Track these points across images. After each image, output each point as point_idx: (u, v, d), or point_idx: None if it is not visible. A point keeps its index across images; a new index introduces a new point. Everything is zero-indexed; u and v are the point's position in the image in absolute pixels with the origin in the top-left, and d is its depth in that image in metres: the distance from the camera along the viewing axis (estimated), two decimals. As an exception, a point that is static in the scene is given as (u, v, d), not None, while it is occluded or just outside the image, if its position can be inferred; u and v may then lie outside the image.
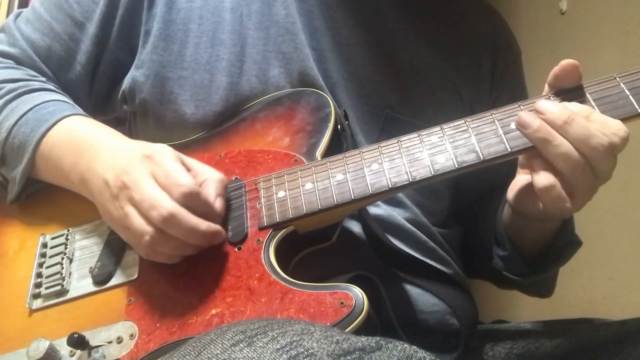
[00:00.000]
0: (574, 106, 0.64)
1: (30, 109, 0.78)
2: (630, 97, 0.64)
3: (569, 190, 0.63)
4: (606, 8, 1.49)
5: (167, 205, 0.63)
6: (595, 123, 0.62)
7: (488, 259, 0.85)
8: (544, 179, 0.63)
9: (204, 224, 0.65)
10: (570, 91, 0.67)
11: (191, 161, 0.71)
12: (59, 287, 0.72)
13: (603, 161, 0.62)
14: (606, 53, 1.44)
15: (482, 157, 0.65)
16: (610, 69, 0.67)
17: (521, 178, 0.71)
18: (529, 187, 0.68)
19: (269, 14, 0.85)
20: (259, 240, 0.67)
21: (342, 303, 0.59)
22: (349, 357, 0.44)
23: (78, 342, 0.65)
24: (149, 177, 0.66)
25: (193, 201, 0.65)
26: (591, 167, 0.62)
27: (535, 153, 0.65)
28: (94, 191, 0.71)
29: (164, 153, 0.68)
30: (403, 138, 0.70)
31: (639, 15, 1.39)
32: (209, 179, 0.69)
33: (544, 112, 0.62)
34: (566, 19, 1.63)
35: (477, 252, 0.88)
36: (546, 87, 0.69)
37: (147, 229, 0.64)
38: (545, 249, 0.79)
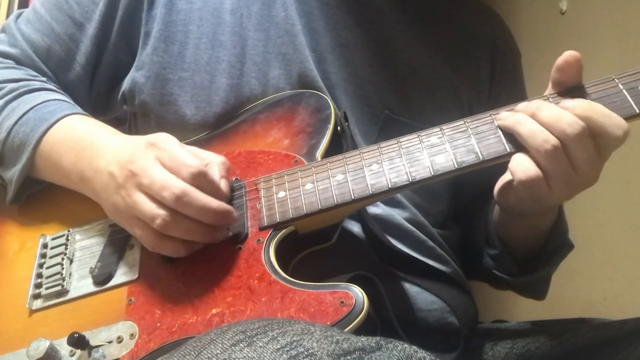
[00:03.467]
0: (573, 102, 0.64)
1: (31, 108, 0.78)
2: (629, 97, 0.64)
3: (545, 177, 0.64)
4: (606, 8, 1.49)
5: (178, 184, 0.64)
6: (597, 114, 0.62)
7: (479, 258, 0.85)
8: (517, 156, 0.66)
9: (215, 202, 0.66)
10: (569, 92, 0.67)
11: (192, 148, 0.71)
12: (59, 288, 0.72)
13: (576, 145, 0.62)
14: (606, 53, 1.44)
15: (481, 158, 0.65)
16: (610, 69, 0.67)
17: (506, 174, 0.72)
18: (509, 179, 0.69)
19: (269, 16, 0.85)
20: (259, 240, 0.68)
21: (342, 302, 0.59)
22: (349, 357, 0.45)
23: (78, 341, 0.65)
24: (155, 162, 0.66)
25: (201, 181, 0.65)
26: (566, 153, 0.63)
27: None
28: (97, 187, 0.71)
29: (166, 139, 0.69)
30: (403, 139, 0.70)
31: (639, 15, 1.39)
32: (212, 162, 0.70)
33: (516, 108, 0.67)
34: (566, 19, 1.63)
35: (470, 252, 0.89)
36: (550, 86, 0.69)
37: (159, 211, 0.64)
38: (537, 251, 0.80)
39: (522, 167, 0.65)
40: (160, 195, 0.64)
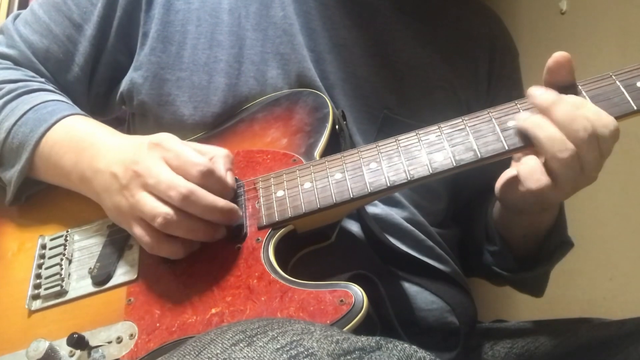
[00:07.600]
0: (569, 98, 0.64)
1: (30, 109, 0.78)
2: (626, 94, 0.64)
3: (551, 177, 0.64)
4: (606, 8, 1.49)
5: (185, 183, 0.64)
6: (588, 112, 0.63)
7: (479, 255, 0.85)
8: (528, 161, 0.65)
9: (221, 200, 0.66)
10: (566, 89, 0.67)
11: (194, 143, 0.71)
12: (58, 288, 0.72)
13: (586, 149, 0.62)
14: (606, 53, 1.44)
15: (479, 155, 0.65)
16: (610, 68, 0.67)
17: (509, 170, 0.72)
18: (514, 177, 0.69)
19: (267, 16, 0.85)
20: (258, 239, 0.68)
21: (341, 301, 0.59)
22: (349, 357, 0.44)
23: (78, 342, 0.65)
24: (161, 162, 0.66)
25: (209, 179, 0.66)
26: (579, 157, 0.63)
27: (532, 150, 0.65)
28: (98, 188, 0.71)
29: (170, 139, 0.69)
30: (401, 137, 0.70)
31: (639, 15, 1.40)
32: (216, 156, 0.69)
33: (533, 96, 0.65)
34: (566, 19, 1.63)
35: (470, 248, 0.89)
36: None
37: (162, 209, 0.64)
38: (537, 248, 0.80)
39: (534, 176, 0.65)
40: (167, 195, 0.64)
